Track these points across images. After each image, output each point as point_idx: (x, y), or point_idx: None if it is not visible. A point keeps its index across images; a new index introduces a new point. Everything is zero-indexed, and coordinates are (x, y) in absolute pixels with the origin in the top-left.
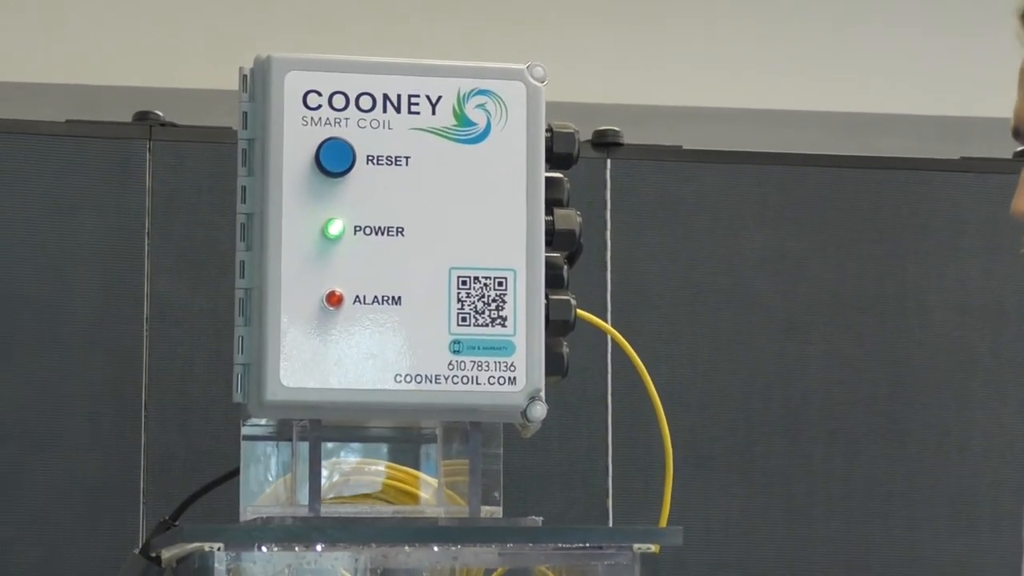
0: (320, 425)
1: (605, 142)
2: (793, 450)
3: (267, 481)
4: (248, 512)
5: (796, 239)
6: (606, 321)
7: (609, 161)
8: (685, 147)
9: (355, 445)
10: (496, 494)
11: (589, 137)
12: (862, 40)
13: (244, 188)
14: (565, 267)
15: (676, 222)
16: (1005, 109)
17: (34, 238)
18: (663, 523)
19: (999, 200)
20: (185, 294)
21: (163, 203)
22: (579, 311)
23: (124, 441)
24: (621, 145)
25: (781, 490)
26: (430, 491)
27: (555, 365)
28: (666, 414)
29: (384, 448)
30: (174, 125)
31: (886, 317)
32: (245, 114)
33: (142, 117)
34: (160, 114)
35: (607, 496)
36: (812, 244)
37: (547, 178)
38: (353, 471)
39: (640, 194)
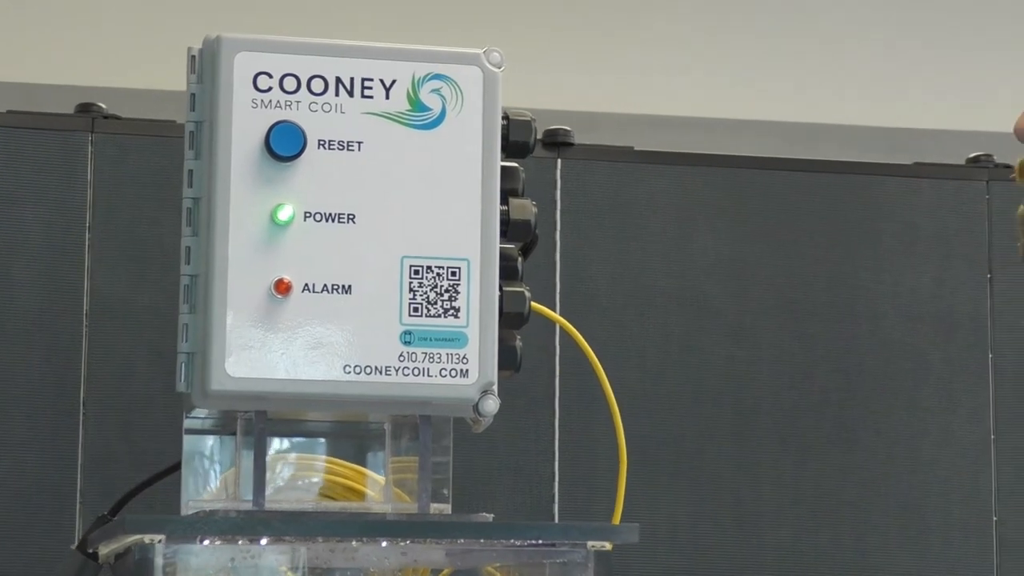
0: (265, 417)
1: (556, 142)
2: (742, 456)
3: (211, 476)
4: (190, 507)
5: (747, 243)
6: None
7: (560, 161)
8: (636, 148)
9: (299, 440)
10: (445, 491)
11: (540, 137)
12: (811, 50)
13: (191, 172)
14: (520, 259)
15: (627, 224)
16: (956, 121)
17: None
18: (616, 521)
19: (953, 206)
20: (126, 290)
21: (105, 197)
22: (533, 304)
23: (62, 438)
24: (572, 145)
25: (730, 496)
26: (376, 488)
27: (508, 359)
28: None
29: (330, 443)
30: (117, 118)
31: (837, 323)
32: (193, 96)
33: (85, 109)
34: (103, 106)
35: (553, 500)
36: (764, 248)
37: (503, 167)
38: (297, 467)
39: (590, 195)
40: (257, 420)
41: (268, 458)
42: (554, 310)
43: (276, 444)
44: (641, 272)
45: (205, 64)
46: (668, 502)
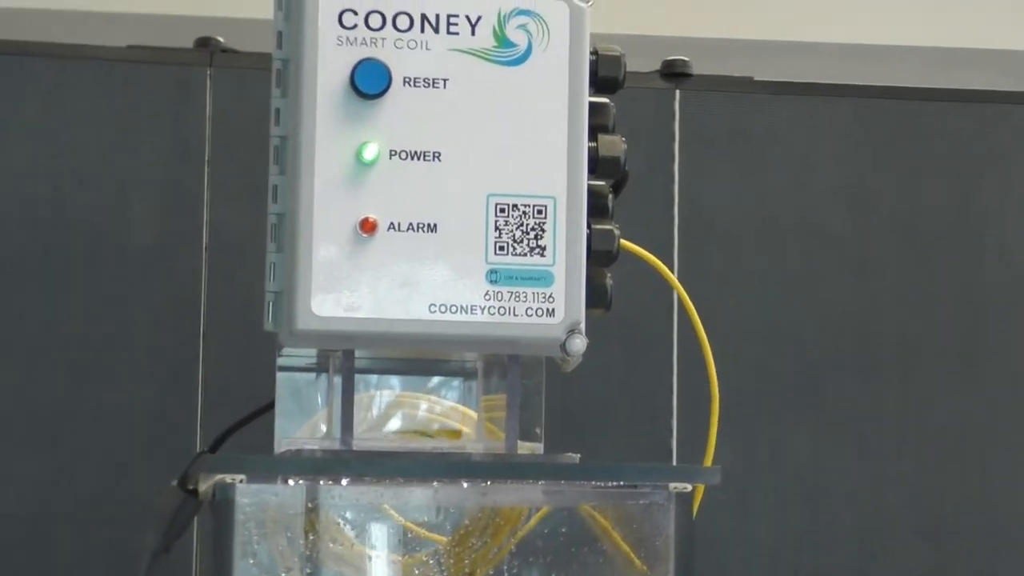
0: (353, 356)
1: (674, 72)
2: (865, 389)
3: (307, 414)
4: (283, 445)
5: (871, 174)
6: (672, 255)
7: (678, 92)
8: (757, 78)
9: (399, 378)
10: (537, 430)
11: (658, 68)
12: None
13: (278, 110)
14: (610, 196)
15: (746, 155)
16: None
17: (94, 164)
18: (708, 462)
19: None
20: (245, 223)
21: (224, 132)
22: (623, 242)
23: (182, 371)
24: (690, 76)
25: (852, 429)
26: (474, 426)
27: (597, 297)
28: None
29: (429, 381)
30: (235, 52)
31: (963, 254)
32: (280, 33)
33: (203, 43)
34: (221, 40)
35: (671, 435)
36: (887, 179)
37: (592, 103)
38: (394, 405)
39: (709, 126)
40: (345, 359)
41: (366, 395)
42: (672, 242)
43: (374, 382)
44: (761, 204)
45: (292, 1)
46: (789, 434)
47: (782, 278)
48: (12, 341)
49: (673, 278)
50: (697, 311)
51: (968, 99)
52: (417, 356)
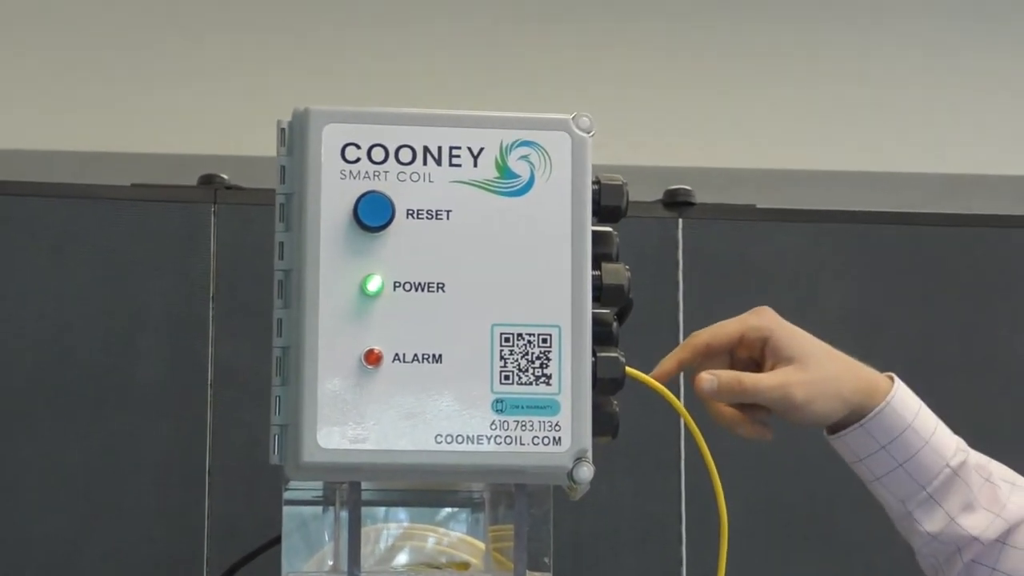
0: (359, 488)
1: (677, 201)
2: (877, 519)
3: (316, 547)
4: None
5: (876, 300)
6: (679, 383)
7: (681, 221)
8: (759, 206)
9: (406, 510)
10: (546, 559)
11: (661, 197)
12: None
13: (282, 244)
14: (615, 323)
15: (751, 283)
16: None
17: (100, 303)
18: None
19: None
20: (250, 359)
21: (228, 267)
22: (629, 369)
23: (189, 508)
24: (693, 204)
25: (862, 561)
26: (482, 557)
27: (604, 425)
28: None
29: (438, 513)
30: (240, 188)
31: (973, 381)
32: (283, 168)
33: (207, 181)
34: (225, 177)
35: (680, 563)
36: (894, 306)
37: (595, 232)
38: (402, 538)
39: (713, 254)
40: (351, 491)
41: (373, 528)
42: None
43: (382, 514)
44: None
45: (294, 136)
46: (799, 565)
47: None
48: (21, 480)
49: (680, 405)
50: (705, 439)
51: (974, 224)
52: (424, 487)
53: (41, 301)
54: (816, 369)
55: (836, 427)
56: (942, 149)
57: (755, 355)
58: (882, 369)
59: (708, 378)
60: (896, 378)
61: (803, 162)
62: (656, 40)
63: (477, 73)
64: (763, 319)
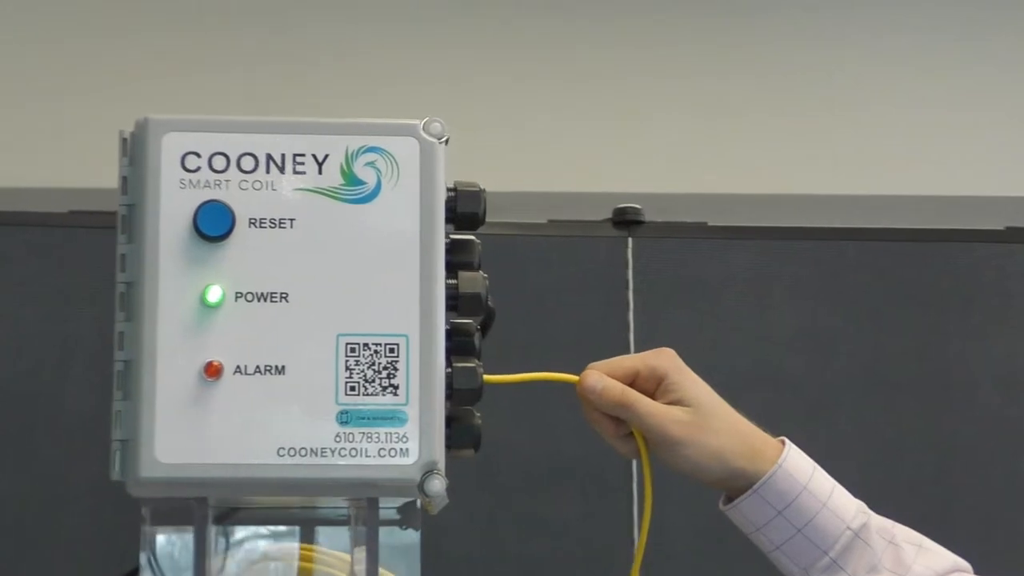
0: (207, 505)
1: (625, 220)
2: None
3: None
4: None
5: (828, 316)
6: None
7: (631, 239)
8: (710, 224)
9: (277, 529)
10: None
11: (610, 216)
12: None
13: (123, 256)
14: (477, 334)
15: (701, 301)
16: None
17: (31, 333)
18: None
19: None
20: None
21: None
22: (490, 377)
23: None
24: (643, 223)
25: None
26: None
27: (464, 437)
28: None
29: (305, 530)
30: None
31: (927, 396)
32: (125, 179)
33: None
34: None
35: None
36: (846, 321)
37: (455, 240)
38: (264, 556)
39: (663, 273)
40: (198, 508)
41: (238, 550)
42: None
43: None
44: (716, 349)
45: (136, 146)
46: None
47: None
48: None
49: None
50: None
51: (930, 239)
52: (273, 504)
53: None
54: (704, 417)
55: (730, 497)
56: (889, 167)
57: (648, 393)
58: (834, 387)
59: (595, 376)
60: (788, 441)
61: (750, 186)
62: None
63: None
64: (662, 359)
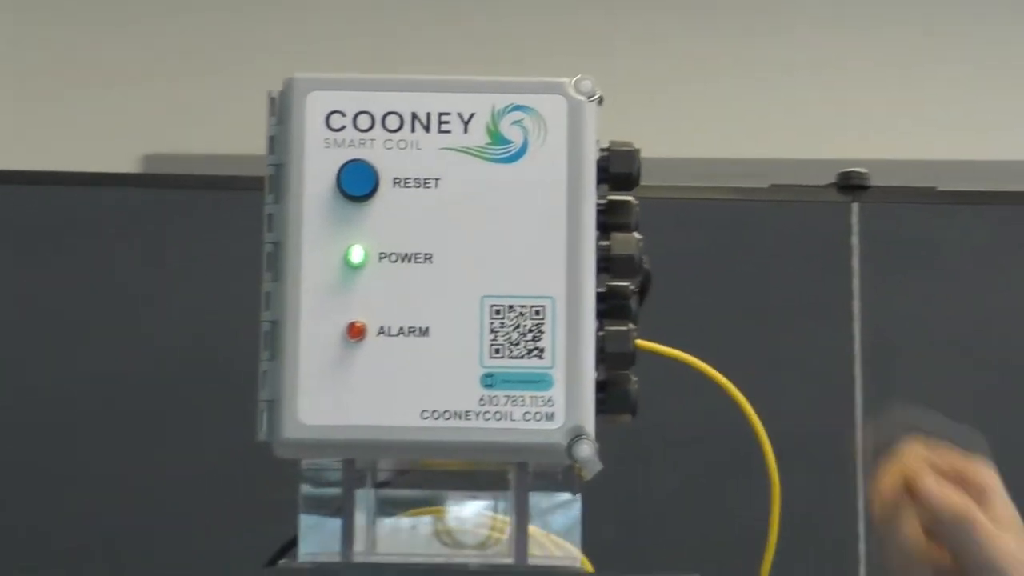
0: (353, 466)
1: (851, 184)
2: None
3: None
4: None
5: None
6: (854, 375)
7: (856, 205)
8: (940, 189)
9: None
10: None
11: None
12: None
13: (270, 216)
14: (633, 297)
15: (930, 269)
16: None
17: None
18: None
19: None
20: None
21: None
22: (642, 342)
23: None
24: (868, 188)
25: None
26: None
27: (619, 402)
28: None
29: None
30: None
31: None
32: (272, 138)
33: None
34: None
35: (858, 562)
36: None
37: (612, 201)
38: (418, 517)
39: (890, 239)
40: (345, 469)
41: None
42: (852, 362)
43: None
44: (949, 320)
45: (283, 106)
46: None
47: (975, 399)
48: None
49: (730, 386)
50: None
51: None
52: (415, 467)
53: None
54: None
55: None
56: None
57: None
58: None
59: (932, 480)
60: None
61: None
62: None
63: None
64: (988, 475)
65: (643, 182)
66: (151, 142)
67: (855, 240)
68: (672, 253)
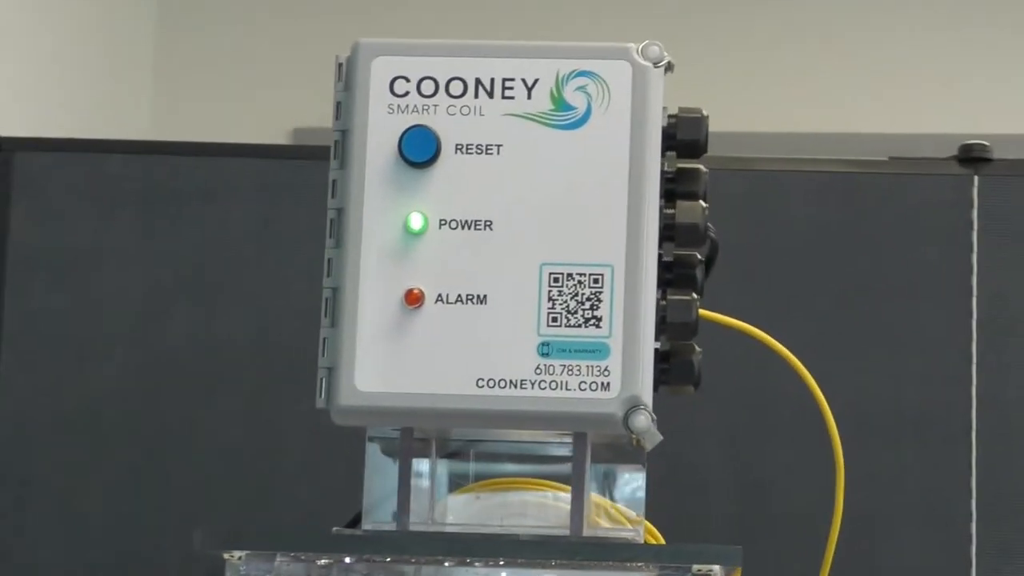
0: (411, 434)
1: (971, 157)
2: None
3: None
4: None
5: None
6: (971, 351)
7: (977, 178)
8: None
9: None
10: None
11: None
12: None
13: (335, 182)
14: (700, 266)
15: None
16: None
17: None
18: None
19: None
20: None
21: None
22: (706, 312)
23: None
24: (990, 161)
25: None
26: (602, 515)
27: (683, 374)
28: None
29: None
30: None
31: None
32: (339, 104)
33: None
34: None
35: (970, 541)
36: None
37: (681, 169)
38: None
39: (1012, 214)
40: (403, 437)
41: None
42: (970, 339)
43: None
44: None
45: (349, 71)
46: None
47: None
48: None
49: (785, 351)
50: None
51: None
52: (472, 435)
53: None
54: None
55: None
56: None
57: None
58: None
59: None
60: None
61: None
62: None
63: None
64: None
65: (766, 155)
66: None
67: (975, 214)
68: (792, 227)
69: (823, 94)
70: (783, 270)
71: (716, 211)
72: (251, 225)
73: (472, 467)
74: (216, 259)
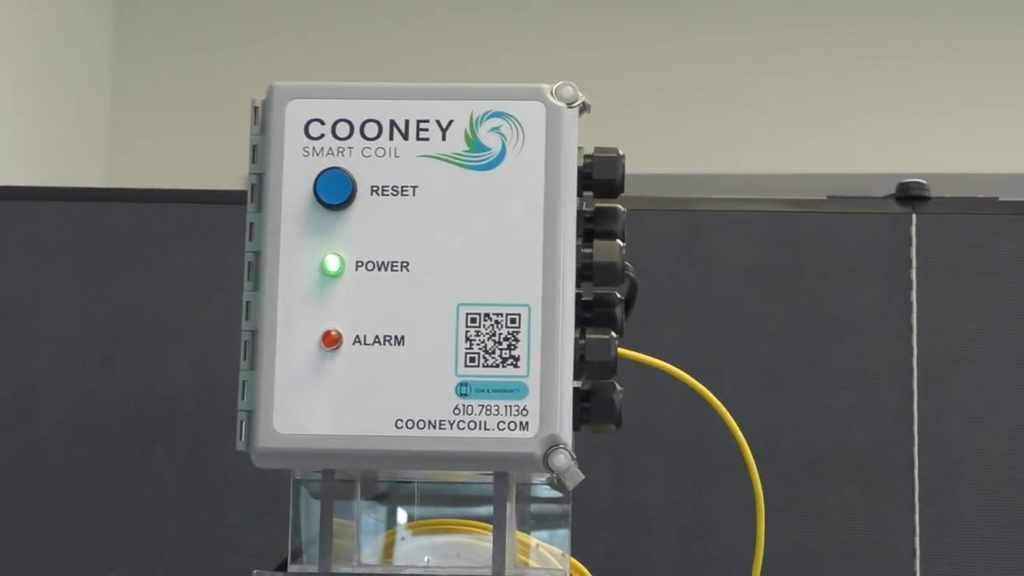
0: (332, 476)
1: (910, 196)
2: None
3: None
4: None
5: None
6: (912, 388)
7: (915, 216)
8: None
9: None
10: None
11: (893, 192)
12: None
13: (252, 225)
14: (619, 305)
15: (991, 282)
16: None
17: None
18: None
19: None
20: None
21: None
22: (624, 351)
23: None
24: (928, 199)
25: None
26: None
27: (603, 411)
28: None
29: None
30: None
31: None
32: (254, 147)
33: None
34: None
35: None
36: None
37: (599, 208)
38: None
39: (950, 251)
40: (324, 478)
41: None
42: (911, 375)
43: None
44: (1008, 333)
45: (264, 114)
46: None
47: None
48: None
49: (707, 393)
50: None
51: None
52: (392, 478)
53: None
54: None
55: None
56: None
57: None
58: None
59: None
60: None
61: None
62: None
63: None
64: None
65: (707, 195)
66: None
67: (913, 252)
68: (733, 266)
69: (761, 135)
70: (724, 309)
71: (657, 250)
72: (191, 271)
73: (416, 510)
74: (157, 307)
